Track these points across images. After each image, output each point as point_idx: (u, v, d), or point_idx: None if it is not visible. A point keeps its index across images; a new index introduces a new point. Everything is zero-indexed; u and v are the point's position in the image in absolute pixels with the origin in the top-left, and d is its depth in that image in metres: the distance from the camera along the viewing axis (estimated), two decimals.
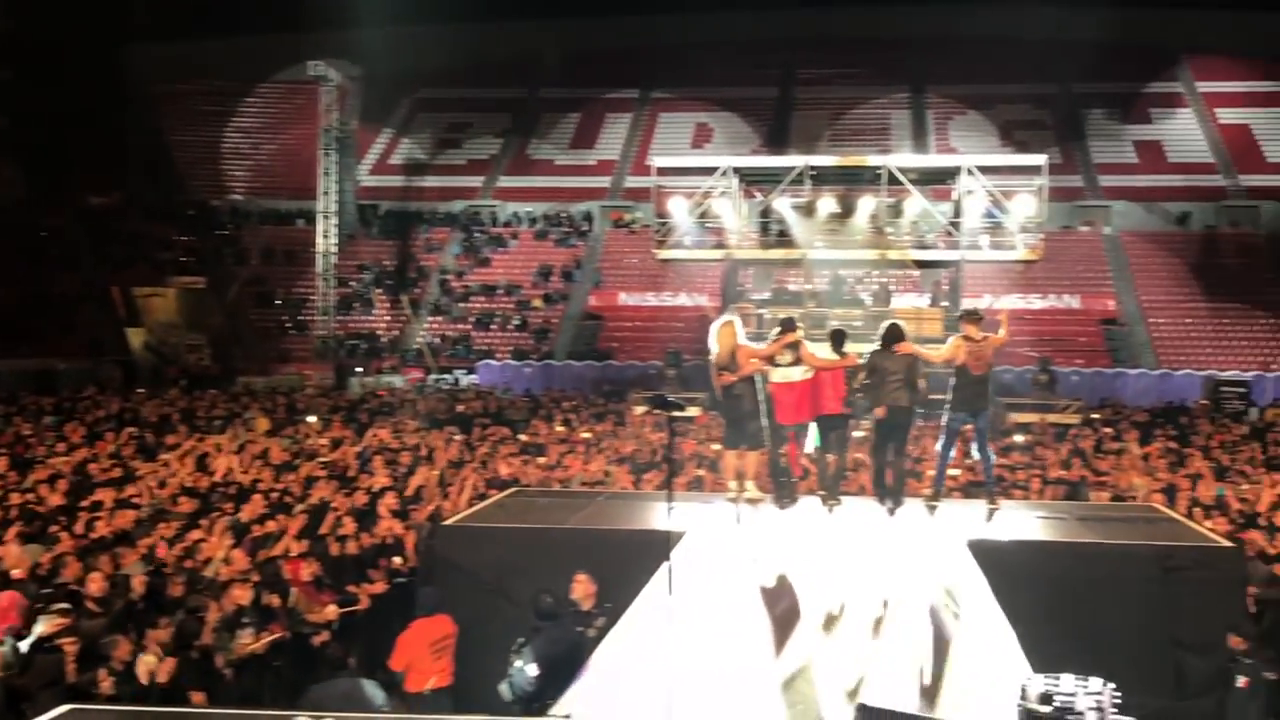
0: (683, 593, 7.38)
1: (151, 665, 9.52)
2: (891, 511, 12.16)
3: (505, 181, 59.27)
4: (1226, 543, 11.60)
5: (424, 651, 10.23)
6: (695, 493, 15.49)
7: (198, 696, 9.66)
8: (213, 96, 61.35)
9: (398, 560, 13.20)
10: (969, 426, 12.60)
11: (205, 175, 58.70)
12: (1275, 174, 55.29)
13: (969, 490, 15.81)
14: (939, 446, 13.11)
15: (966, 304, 35.25)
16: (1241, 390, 39.28)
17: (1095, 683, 4.46)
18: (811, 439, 12.79)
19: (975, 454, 13.04)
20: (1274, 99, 59.38)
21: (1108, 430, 26.25)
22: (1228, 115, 59.13)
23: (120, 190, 54.22)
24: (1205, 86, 61.03)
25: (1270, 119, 58.56)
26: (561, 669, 9.12)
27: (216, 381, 41.75)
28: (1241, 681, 10.24)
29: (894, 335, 12.40)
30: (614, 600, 9.81)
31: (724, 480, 13.09)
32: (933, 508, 12.30)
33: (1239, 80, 60.78)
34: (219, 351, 47.70)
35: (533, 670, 9.13)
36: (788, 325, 12.55)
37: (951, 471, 18.78)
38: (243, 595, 10.84)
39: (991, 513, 12.22)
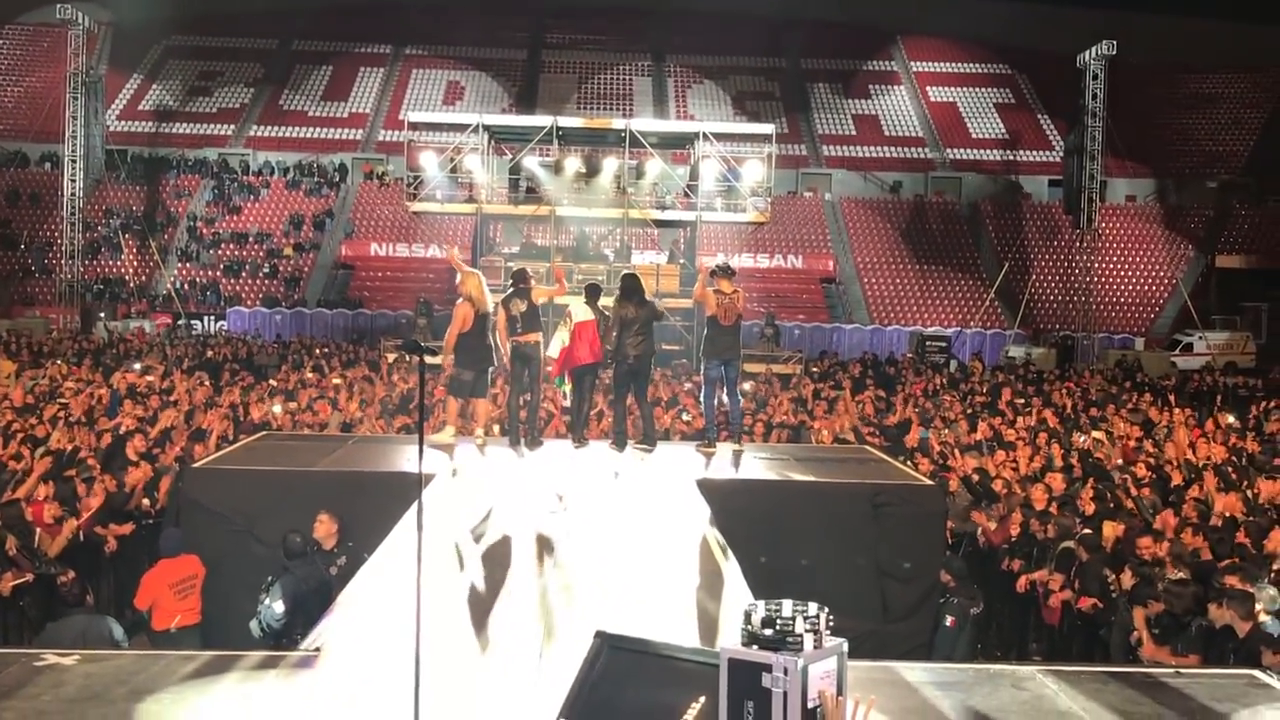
0: (431, 531, 6.92)
1: None
2: (640, 453, 12.33)
3: (257, 131, 58.81)
4: (928, 481, 12.12)
5: (166, 591, 10.05)
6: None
7: None
8: None
9: (145, 502, 12.85)
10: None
11: None
12: (977, 149, 59.78)
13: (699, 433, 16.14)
14: (702, 395, 13.21)
15: (707, 261, 37.56)
16: (943, 344, 42.59)
17: (813, 607, 4.41)
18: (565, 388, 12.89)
19: (725, 399, 13.01)
20: (978, 79, 64.03)
21: (825, 380, 27.57)
22: (937, 93, 63.28)
23: None
24: (918, 66, 65.07)
25: (974, 98, 63.05)
26: (309, 606, 9.13)
27: None
28: (949, 621, 10.73)
29: (632, 287, 12.50)
30: (364, 540, 9.74)
31: (473, 425, 13.01)
32: (709, 453, 12.45)
33: (948, 61, 65.03)
34: None
35: (280, 607, 9.16)
36: (520, 277, 12.55)
37: (685, 416, 19.37)
38: None
39: (737, 453, 12.53)
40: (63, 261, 45.65)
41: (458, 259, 12.34)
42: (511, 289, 12.41)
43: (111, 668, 6.26)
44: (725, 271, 12.58)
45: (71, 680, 6.05)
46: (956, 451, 16.32)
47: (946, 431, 18.55)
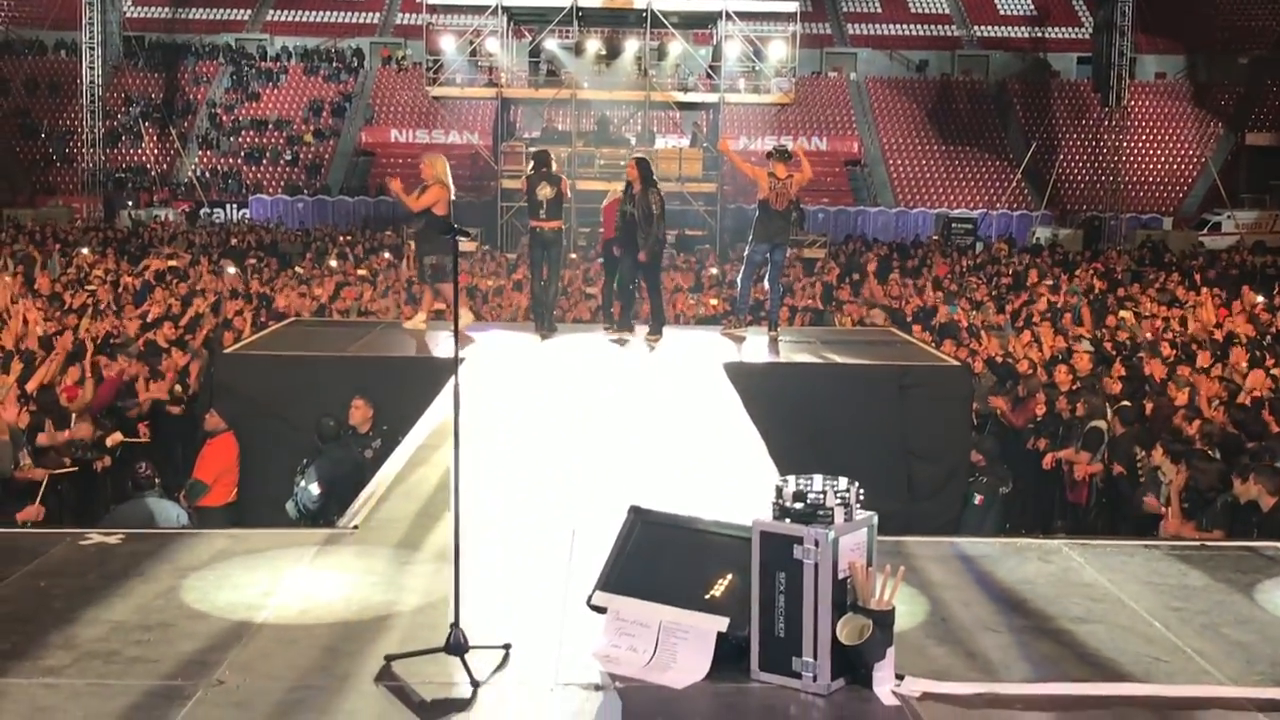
0: (464, 412, 6.34)
1: None
2: (652, 338, 12.44)
3: (273, 15, 58.01)
4: (954, 362, 12.27)
5: (233, 464, 10.30)
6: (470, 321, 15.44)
7: None
8: None
9: (178, 388, 12.80)
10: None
11: None
12: (1005, 25, 58.53)
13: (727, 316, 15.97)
14: (740, 277, 13.28)
15: (734, 145, 37.29)
16: (969, 226, 42.37)
17: (843, 482, 4.51)
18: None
19: (766, 284, 13.03)
20: None
21: (850, 263, 27.73)
22: None
23: None
24: None
25: None
26: (345, 488, 9.10)
27: None
28: (977, 499, 10.94)
29: (648, 172, 12.28)
30: (393, 423, 9.86)
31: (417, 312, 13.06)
32: (735, 336, 12.57)
33: None
34: None
35: (317, 489, 9.30)
36: (542, 159, 12.65)
37: (711, 301, 19.74)
38: (21, 422, 10.25)
39: (774, 340, 12.51)
40: (84, 150, 45.55)
41: (400, 190, 12.00)
42: (540, 172, 12.27)
43: (156, 546, 6.37)
44: (782, 155, 12.41)
45: (117, 559, 6.16)
46: (982, 333, 16.34)
47: (975, 314, 18.57)
